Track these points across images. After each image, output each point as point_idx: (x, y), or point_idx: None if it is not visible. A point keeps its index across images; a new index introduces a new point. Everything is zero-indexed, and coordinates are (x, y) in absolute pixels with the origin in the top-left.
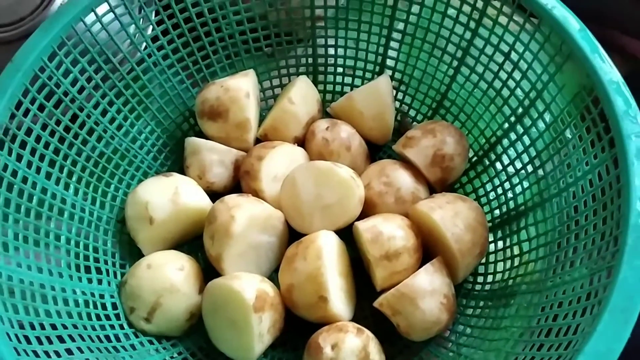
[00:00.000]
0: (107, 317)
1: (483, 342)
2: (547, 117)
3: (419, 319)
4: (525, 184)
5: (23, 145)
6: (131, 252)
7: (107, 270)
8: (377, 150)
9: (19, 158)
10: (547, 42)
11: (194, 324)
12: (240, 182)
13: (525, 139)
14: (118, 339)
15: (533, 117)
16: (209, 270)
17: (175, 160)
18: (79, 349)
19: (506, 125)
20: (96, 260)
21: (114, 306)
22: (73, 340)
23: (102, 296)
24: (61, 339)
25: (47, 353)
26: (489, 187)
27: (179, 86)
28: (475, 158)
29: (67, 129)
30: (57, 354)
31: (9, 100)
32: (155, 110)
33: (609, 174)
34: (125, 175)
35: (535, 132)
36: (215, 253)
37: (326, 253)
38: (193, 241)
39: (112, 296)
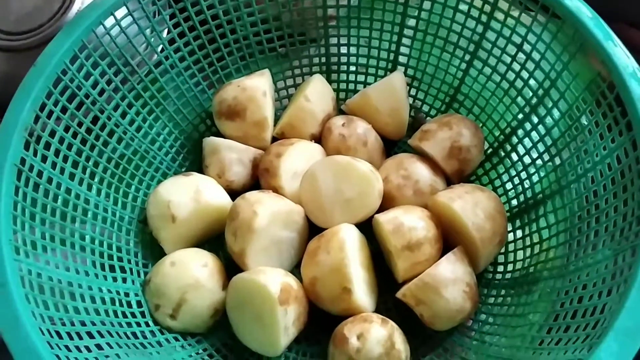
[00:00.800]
0: (133, 315)
1: (507, 328)
2: (562, 105)
3: (443, 307)
4: (542, 172)
5: (47, 146)
6: (153, 251)
7: (131, 269)
8: (392, 145)
9: (44, 159)
10: (559, 32)
11: (217, 320)
12: (259, 180)
13: (541, 128)
14: (144, 336)
15: (548, 107)
16: (230, 268)
17: (192, 161)
18: (108, 344)
19: (520, 115)
20: (120, 259)
21: (139, 304)
22: (102, 336)
23: (127, 294)
24: (90, 335)
25: (78, 348)
26: (505, 177)
27: (196, 88)
28: (490, 150)
29: (88, 131)
30: (88, 349)
31: (33, 102)
32: (173, 111)
33: (627, 157)
34: (144, 176)
35: (551, 121)
36: (238, 249)
37: (349, 245)
38: (213, 240)
39: (136, 294)
